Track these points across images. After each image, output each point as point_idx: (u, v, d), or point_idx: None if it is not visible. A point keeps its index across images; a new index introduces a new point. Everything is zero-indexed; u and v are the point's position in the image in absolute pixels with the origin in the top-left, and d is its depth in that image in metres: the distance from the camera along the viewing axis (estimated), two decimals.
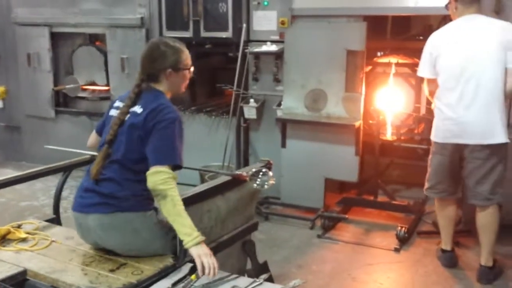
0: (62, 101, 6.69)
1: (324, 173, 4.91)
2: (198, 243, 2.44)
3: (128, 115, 2.63)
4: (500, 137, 3.54)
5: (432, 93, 3.78)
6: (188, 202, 2.63)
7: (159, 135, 2.53)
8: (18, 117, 6.87)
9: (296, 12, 4.88)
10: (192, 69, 2.81)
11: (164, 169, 2.48)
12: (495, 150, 3.57)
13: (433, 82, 3.71)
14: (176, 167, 2.58)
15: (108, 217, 2.57)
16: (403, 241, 4.35)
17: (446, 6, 3.75)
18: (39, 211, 5.15)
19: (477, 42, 3.54)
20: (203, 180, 5.17)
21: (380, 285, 3.78)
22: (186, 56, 2.76)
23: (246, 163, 5.58)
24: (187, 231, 2.45)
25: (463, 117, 3.55)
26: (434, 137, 3.77)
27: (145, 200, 2.60)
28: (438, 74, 3.65)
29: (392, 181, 5.50)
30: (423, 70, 3.76)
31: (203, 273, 2.40)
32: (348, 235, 4.62)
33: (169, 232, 2.59)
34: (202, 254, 2.43)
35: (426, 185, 3.94)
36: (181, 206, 2.47)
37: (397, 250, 4.27)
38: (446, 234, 4.00)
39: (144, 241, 2.60)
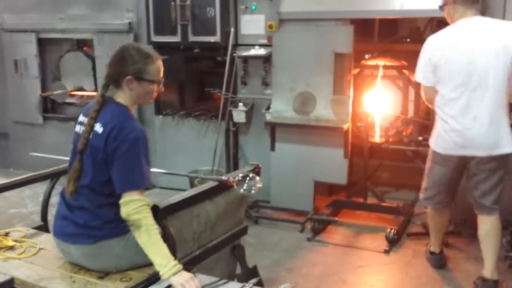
0: (50, 107, 6.65)
1: (313, 176, 4.92)
2: (175, 273, 2.34)
3: (91, 135, 2.47)
4: (508, 147, 3.38)
5: (429, 100, 3.58)
6: (177, 207, 2.64)
7: (123, 160, 2.39)
8: (5, 123, 6.81)
9: (284, 16, 4.89)
10: (161, 85, 2.61)
11: (136, 196, 2.37)
12: (502, 160, 3.44)
13: (431, 89, 3.49)
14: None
15: (90, 247, 2.49)
16: (393, 242, 4.37)
17: (441, 7, 3.52)
18: (28, 218, 5.11)
19: (481, 47, 3.28)
20: (192, 185, 5.16)
21: (371, 287, 3.79)
22: (156, 68, 2.56)
23: (236, 167, 5.58)
24: (163, 262, 2.35)
25: (471, 128, 3.34)
26: (436, 147, 3.55)
27: (122, 223, 2.46)
28: (440, 82, 3.40)
29: (381, 183, 5.52)
30: (421, 75, 3.52)
31: None
32: (338, 237, 4.62)
33: None
34: (183, 283, 2.32)
35: (424, 194, 3.80)
36: (156, 236, 2.38)
37: (386, 252, 4.28)
38: (436, 237, 3.98)
39: (129, 263, 2.54)
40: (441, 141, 3.49)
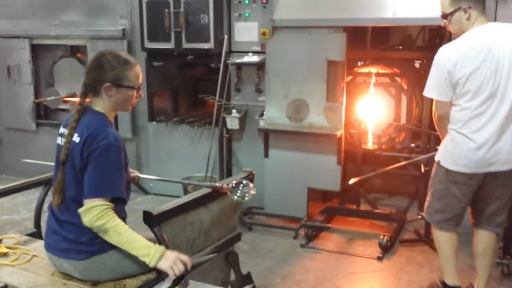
0: (43, 113, 6.65)
1: (306, 182, 4.93)
2: (160, 255, 2.35)
3: (71, 146, 2.45)
4: None
5: (445, 116, 3.21)
6: (171, 214, 2.64)
7: (92, 166, 2.36)
8: None
9: (277, 23, 4.92)
10: (140, 90, 2.60)
11: (96, 203, 2.33)
12: None
13: (448, 105, 3.15)
14: (118, 199, 2.43)
15: (82, 263, 2.47)
16: (386, 249, 4.38)
17: (448, 15, 3.14)
18: (20, 224, 5.10)
19: (505, 55, 3.03)
20: (186, 192, 5.16)
21: None
22: (135, 74, 2.54)
23: (229, 174, 5.59)
24: (144, 252, 2.35)
25: (497, 143, 3.10)
26: (459, 167, 3.18)
27: None
28: (462, 97, 3.08)
29: (374, 190, 5.54)
30: (436, 91, 3.15)
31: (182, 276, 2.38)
32: (332, 244, 4.64)
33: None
34: (170, 264, 2.35)
35: (434, 217, 3.40)
36: (127, 232, 2.36)
37: (380, 258, 4.30)
38: (451, 266, 3.44)
39: (124, 274, 2.53)
40: (465, 160, 3.13)
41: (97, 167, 2.36)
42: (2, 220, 5.26)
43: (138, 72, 2.58)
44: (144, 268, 2.48)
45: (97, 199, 2.34)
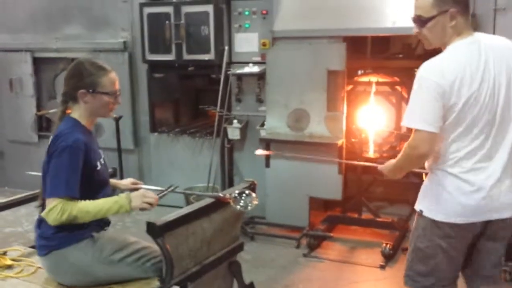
0: (45, 126, 6.68)
1: (308, 192, 4.95)
2: (129, 201, 2.51)
3: None
4: None
5: (426, 156, 2.43)
6: (174, 225, 2.65)
7: (51, 165, 2.46)
8: (0, 142, 6.83)
9: (277, 34, 4.96)
10: (118, 97, 2.66)
11: (53, 204, 2.41)
12: None
13: (435, 137, 2.37)
14: (102, 185, 2.60)
15: (46, 259, 2.57)
16: (389, 258, 4.39)
17: (427, 21, 2.38)
18: (24, 237, 5.11)
19: (503, 75, 2.39)
20: (188, 202, 5.18)
21: None
22: (110, 80, 2.60)
23: (231, 184, 5.61)
24: (116, 208, 2.50)
25: (499, 183, 2.41)
26: (450, 217, 2.43)
27: (74, 231, 2.53)
28: (453, 127, 2.37)
29: (376, 198, 5.55)
30: (424, 119, 2.34)
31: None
32: (334, 253, 4.65)
33: (115, 254, 2.58)
34: (141, 203, 2.52)
35: (418, 282, 2.63)
36: (91, 205, 2.46)
37: (382, 267, 4.30)
38: None
39: (85, 274, 2.56)
40: (458, 207, 2.42)
41: (53, 167, 2.45)
42: (5, 233, 5.28)
43: (113, 78, 2.64)
44: (110, 268, 2.56)
45: (52, 199, 2.42)
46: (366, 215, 5.02)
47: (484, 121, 2.38)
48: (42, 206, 2.61)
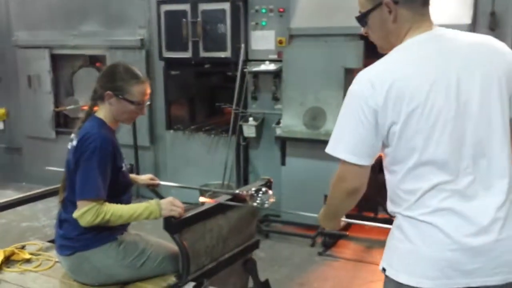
0: (63, 122, 6.74)
1: (324, 190, 4.89)
2: (159, 208, 2.51)
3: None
4: None
5: (356, 193, 1.85)
6: (191, 221, 2.66)
7: (81, 168, 2.44)
8: (18, 138, 6.92)
9: (294, 32, 4.95)
10: (143, 108, 2.64)
11: (87, 207, 2.41)
12: None
13: (364, 171, 1.80)
14: (122, 191, 2.60)
15: (69, 259, 2.57)
16: None
17: (364, 17, 1.85)
18: (40, 231, 5.17)
19: (471, 81, 1.72)
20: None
21: None
22: (139, 90, 2.58)
23: (246, 181, 5.62)
24: (147, 214, 2.51)
25: (486, 231, 1.70)
26: (403, 274, 1.76)
27: (99, 234, 2.54)
28: (406, 151, 1.72)
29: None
30: (350, 148, 1.76)
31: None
32: (349, 252, 4.63)
33: (137, 258, 2.59)
34: (170, 209, 2.52)
35: None
36: (123, 209, 2.47)
37: None
38: None
39: (108, 276, 2.57)
40: (422, 264, 1.73)
41: (84, 168, 2.44)
42: (23, 227, 5.34)
43: (144, 89, 2.62)
44: (133, 272, 2.58)
45: (85, 201, 2.42)
46: (382, 214, 4.98)
47: (447, 143, 1.69)
48: (62, 203, 2.62)
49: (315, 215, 2.23)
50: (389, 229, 1.97)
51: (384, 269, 1.83)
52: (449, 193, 1.70)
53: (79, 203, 2.45)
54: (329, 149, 1.82)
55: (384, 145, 1.77)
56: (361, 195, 1.88)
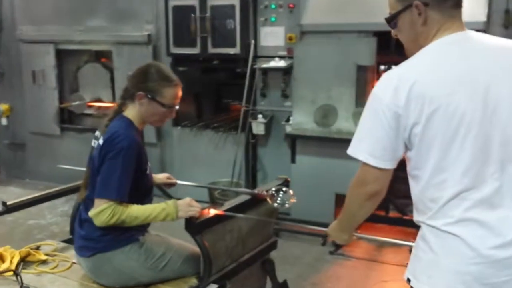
0: (67, 118, 6.67)
1: (334, 188, 4.88)
2: (176, 210, 2.46)
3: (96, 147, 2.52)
4: None
5: (376, 196, 1.82)
6: (211, 222, 2.61)
7: (105, 166, 2.39)
8: (22, 134, 6.84)
9: (305, 28, 4.88)
10: (173, 112, 2.61)
11: (104, 206, 2.36)
12: None
13: (387, 175, 1.78)
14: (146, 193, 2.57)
15: (90, 260, 2.52)
16: None
17: (393, 19, 1.85)
18: (47, 229, 5.11)
19: (501, 84, 1.67)
20: (212, 197, 5.15)
21: None
22: (171, 93, 2.54)
23: (254, 179, 5.56)
24: (163, 214, 2.45)
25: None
26: (427, 287, 1.75)
27: (121, 235, 2.50)
28: (428, 157, 1.68)
29: (401, 196, 5.47)
30: (368, 152, 1.75)
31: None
32: (361, 251, 4.59)
33: (159, 260, 2.55)
34: (187, 212, 2.47)
35: None
36: (140, 210, 2.42)
37: None
38: None
39: (133, 278, 2.53)
40: (448, 278, 1.69)
41: (108, 168, 2.39)
42: (29, 225, 5.27)
43: (176, 92, 2.58)
44: (154, 274, 2.54)
45: (104, 200, 2.37)
46: (393, 213, 4.94)
47: (472, 147, 1.64)
48: (84, 201, 2.57)
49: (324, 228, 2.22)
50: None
51: (408, 280, 1.82)
52: (473, 202, 1.66)
53: (96, 201, 2.40)
54: (350, 151, 1.81)
55: (407, 148, 1.73)
56: (381, 200, 1.84)
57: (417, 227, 4.87)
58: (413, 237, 4.69)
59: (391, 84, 1.69)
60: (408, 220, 4.82)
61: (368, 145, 1.74)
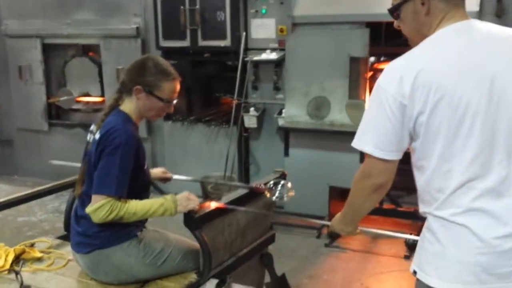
0: (55, 114, 6.56)
1: (328, 181, 4.87)
2: (175, 205, 2.42)
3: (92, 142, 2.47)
4: None
5: (381, 188, 1.83)
6: (211, 217, 2.57)
7: (103, 162, 2.34)
8: (10, 130, 6.72)
9: (297, 20, 4.84)
10: (171, 105, 2.56)
11: (101, 202, 2.30)
12: None
13: (392, 167, 1.77)
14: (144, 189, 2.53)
15: (88, 257, 2.47)
16: (413, 248, 4.29)
17: (396, 10, 1.82)
18: (38, 226, 5.03)
19: (508, 73, 1.66)
20: (205, 191, 5.09)
21: None
22: (170, 87, 2.49)
23: (247, 173, 5.52)
24: (162, 211, 2.41)
25: None
26: (434, 279, 1.71)
27: (119, 231, 2.45)
28: (434, 145, 1.67)
29: (394, 187, 5.47)
30: (374, 144, 1.73)
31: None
32: (356, 243, 4.58)
33: (158, 256, 2.50)
34: (185, 206, 2.44)
35: None
36: (138, 206, 2.37)
37: (407, 257, 4.24)
38: None
39: (131, 275, 2.48)
40: (455, 268, 1.67)
41: (105, 163, 2.33)
42: (19, 222, 5.19)
43: (175, 87, 2.53)
44: (153, 270, 2.50)
45: (102, 196, 2.32)
46: (386, 205, 4.94)
47: (478, 135, 1.63)
48: (80, 197, 2.51)
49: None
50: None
51: (414, 272, 1.78)
52: (480, 191, 1.64)
53: (94, 197, 2.35)
54: (355, 143, 1.79)
55: (412, 139, 1.71)
56: (386, 192, 1.85)
57: (411, 218, 4.86)
58: (407, 228, 4.73)
59: (395, 74, 1.68)
60: (402, 211, 4.83)
61: (373, 137, 1.73)
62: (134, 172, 2.40)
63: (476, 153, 1.63)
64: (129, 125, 2.44)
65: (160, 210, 2.41)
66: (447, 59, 1.67)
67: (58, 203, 5.48)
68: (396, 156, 1.73)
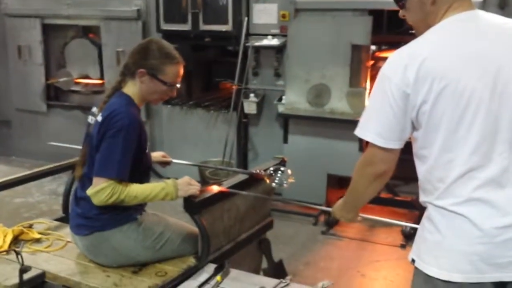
0: (54, 95, 6.52)
1: (326, 169, 4.87)
2: (176, 189, 2.42)
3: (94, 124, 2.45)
4: None
5: (384, 176, 1.82)
6: (210, 202, 2.57)
7: (105, 144, 2.34)
8: (7, 111, 6.68)
9: (300, 6, 4.81)
10: (174, 89, 2.53)
11: (102, 185, 2.30)
12: None
13: (394, 155, 1.76)
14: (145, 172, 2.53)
15: (87, 239, 2.47)
16: (409, 237, 4.33)
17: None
18: (36, 208, 5.03)
19: (509, 65, 1.65)
20: (202, 176, 5.09)
21: (391, 283, 3.77)
22: (173, 71, 2.47)
23: (245, 159, 5.52)
24: (163, 195, 2.41)
25: None
26: (433, 268, 1.70)
27: (119, 214, 2.45)
28: (436, 134, 1.67)
29: (391, 177, 5.47)
30: (379, 130, 1.72)
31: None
32: (353, 231, 4.59)
33: (157, 240, 2.50)
34: (186, 191, 2.44)
35: None
36: (139, 190, 2.37)
37: (403, 246, 4.26)
38: None
39: (130, 258, 2.48)
40: (454, 257, 1.67)
41: (107, 146, 2.33)
42: (16, 203, 5.18)
43: (178, 70, 2.52)
44: (152, 253, 2.50)
45: (103, 179, 2.32)
46: (384, 194, 4.94)
47: (481, 125, 1.62)
48: (80, 179, 2.50)
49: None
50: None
51: (413, 260, 1.78)
52: (481, 181, 1.64)
53: (95, 179, 2.34)
54: (357, 131, 1.79)
55: (414, 128, 1.72)
56: (387, 180, 1.85)
57: (408, 207, 4.85)
58: (404, 217, 4.74)
59: (401, 62, 1.67)
60: (399, 200, 4.84)
61: (376, 126, 1.73)
62: (136, 156, 2.40)
63: (478, 143, 1.63)
64: (132, 108, 2.43)
65: (161, 194, 2.41)
66: (452, 48, 1.67)
67: (55, 185, 5.48)
68: (398, 145, 1.73)
